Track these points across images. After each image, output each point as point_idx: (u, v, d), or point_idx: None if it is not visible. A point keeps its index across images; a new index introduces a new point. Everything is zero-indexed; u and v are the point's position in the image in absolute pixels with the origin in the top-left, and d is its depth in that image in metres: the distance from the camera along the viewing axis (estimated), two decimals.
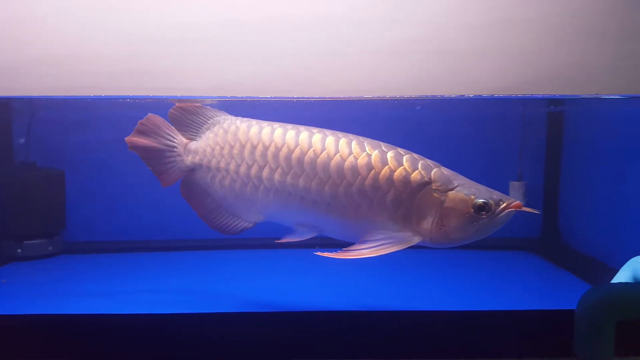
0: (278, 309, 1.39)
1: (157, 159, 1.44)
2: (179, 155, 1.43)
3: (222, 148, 1.40)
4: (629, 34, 1.39)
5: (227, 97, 1.44)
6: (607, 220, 1.82)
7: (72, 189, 1.99)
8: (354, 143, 1.30)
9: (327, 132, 1.35)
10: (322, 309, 1.36)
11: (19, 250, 1.90)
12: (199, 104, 1.44)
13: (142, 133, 1.42)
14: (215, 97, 1.47)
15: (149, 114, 1.42)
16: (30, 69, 1.40)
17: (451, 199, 1.24)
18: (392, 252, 1.24)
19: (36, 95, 1.43)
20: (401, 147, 1.31)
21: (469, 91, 1.40)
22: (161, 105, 1.64)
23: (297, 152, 1.32)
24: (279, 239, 1.39)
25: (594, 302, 1.18)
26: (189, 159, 1.43)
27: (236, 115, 1.42)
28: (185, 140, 1.44)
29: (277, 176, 1.34)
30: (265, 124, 1.38)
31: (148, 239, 2.06)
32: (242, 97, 1.45)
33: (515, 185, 1.92)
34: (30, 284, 1.69)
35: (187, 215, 2.03)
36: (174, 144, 1.44)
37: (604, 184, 1.85)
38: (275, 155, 1.34)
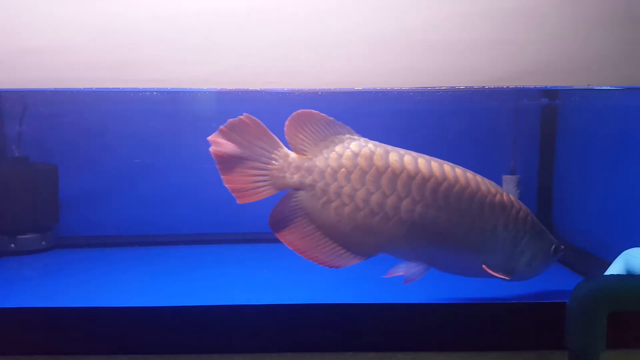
0: (272, 302, 1.39)
1: (241, 171, 1.22)
2: (279, 170, 1.24)
3: (349, 172, 1.23)
4: (622, 23, 1.38)
5: (216, 88, 1.42)
6: (601, 213, 1.82)
7: (65, 184, 1.99)
8: (486, 181, 1.34)
9: (460, 167, 1.33)
10: (315, 302, 1.35)
11: (13, 245, 1.89)
12: (322, 115, 1.27)
13: (229, 135, 1.22)
14: (205, 90, 1.44)
15: (244, 114, 1.23)
16: (18, 61, 1.39)
17: (541, 240, 1.38)
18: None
19: (26, 87, 1.42)
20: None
21: (461, 82, 1.40)
22: (153, 98, 1.63)
23: (445, 184, 1.27)
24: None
25: (586, 294, 1.18)
26: (295, 178, 1.24)
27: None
28: (292, 154, 1.25)
29: (419, 208, 1.25)
30: (402, 151, 1.29)
31: (141, 233, 2.06)
32: (233, 89, 1.43)
33: (508, 179, 1.91)
34: (24, 278, 1.69)
35: (181, 210, 2.04)
36: (274, 156, 1.24)
37: (598, 177, 1.85)
38: (421, 186, 1.26)
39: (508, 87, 1.40)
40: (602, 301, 1.18)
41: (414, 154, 1.29)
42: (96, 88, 1.42)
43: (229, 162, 1.22)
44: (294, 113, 1.25)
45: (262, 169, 1.24)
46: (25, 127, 1.95)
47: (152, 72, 1.39)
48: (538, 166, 2.08)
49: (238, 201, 1.22)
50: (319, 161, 1.24)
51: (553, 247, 1.40)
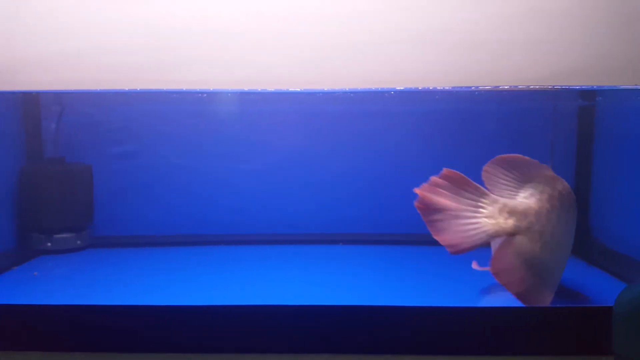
0: (308, 303, 1.38)
1: (450, 222, 1.18)
2: (490, 216, 1.19)
3: (560, 213, 1.22)
4: None
5: (257, 90, 1.41)
6: None
7: (100, 184, 2.01)
8: None
9: None
10: (353, 304, 1.34)
11: (49, 244, 1.93)
12: (526, 158, 1.23)
13: (436, 189, 1.20)
14: (244, 90, 1.43)
15: (444, 169, 1.21)
16: (56, 62, 1.40)
17: None
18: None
19: (63, 89, 1.43)
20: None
21: (502, 83, 1.37)
22: (188, 99, 1.64)
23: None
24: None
25: (632, 299, 1.15)
26: (510, 222, 1.17)
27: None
28: (501, 199, 1.19)
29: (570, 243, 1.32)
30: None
31: (174, 233, 2.07)
32: (270, 90, 1.41)
33: None
34: (60, 276, 1.72)
35: (214, 210, 2.05)
36: (481, 203, 1.20)
37: (637, 179, 1.80)
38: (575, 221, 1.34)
39: (553, 87, 1.37)
40: None
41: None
42: (136, 89, 1.44)
43: (438, 217, 1.19)
44: (498, 157, 1.22)
45: (472, 218, 1.19)
46: (63, 128, 1.98)
47: (185, 73, 1.39)
48: (575, 168, 2.04)
49: (450, 252, 1.18)
50: (533, 203, 1.19)
51: None
